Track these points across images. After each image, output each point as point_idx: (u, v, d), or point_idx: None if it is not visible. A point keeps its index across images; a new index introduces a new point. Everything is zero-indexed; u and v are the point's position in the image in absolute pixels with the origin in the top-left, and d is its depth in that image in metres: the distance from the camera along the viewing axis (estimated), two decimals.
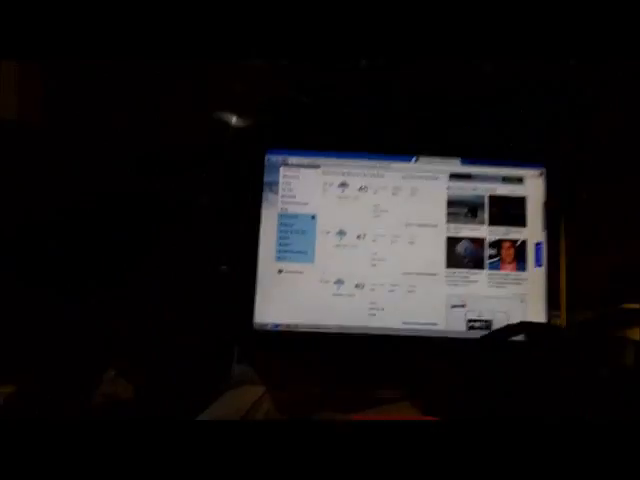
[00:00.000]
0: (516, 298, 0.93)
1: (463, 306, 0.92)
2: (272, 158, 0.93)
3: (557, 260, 0.94)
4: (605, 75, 0.97)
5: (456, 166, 0.95)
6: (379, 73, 0.95)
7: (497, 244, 0.94)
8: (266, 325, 0.89)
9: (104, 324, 0.84)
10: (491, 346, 0.86)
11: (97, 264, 0.87)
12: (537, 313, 0.93)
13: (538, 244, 0.94)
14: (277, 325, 0.89)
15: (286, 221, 0.92)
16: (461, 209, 0.94)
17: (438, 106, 0.99)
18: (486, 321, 0.92)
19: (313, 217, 0.92)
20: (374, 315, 0.90)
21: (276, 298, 0.90)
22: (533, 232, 0.94)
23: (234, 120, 0.91)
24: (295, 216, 0.92)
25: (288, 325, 0.89)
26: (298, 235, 0.91)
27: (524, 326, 0.85)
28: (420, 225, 0.93)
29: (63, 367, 0.79)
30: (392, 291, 0.91)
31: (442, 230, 0.93)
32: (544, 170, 0.96)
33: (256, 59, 0.87)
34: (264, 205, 0.91)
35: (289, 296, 0.90)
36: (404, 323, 0.91)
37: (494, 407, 0.76)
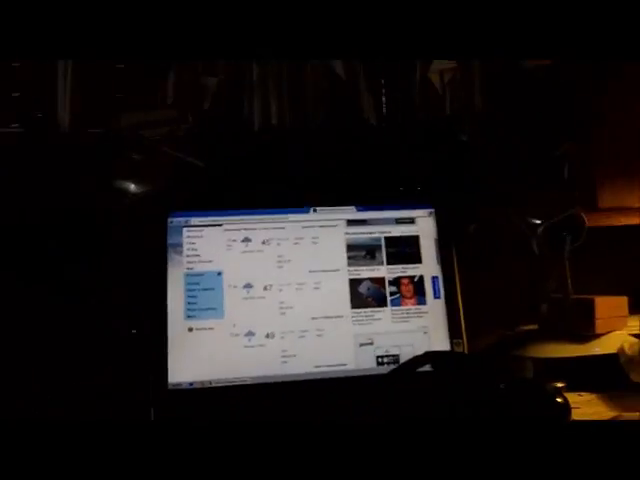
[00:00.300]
0: (419, 330, 0.99)
1: (371, 344, 0.98)
2: (174, 221, 0.97)
3: (454, 291, 1.02)
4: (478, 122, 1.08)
5: (352, 213, 1.02)
6: (268, 134, 1.03)
7: (396, 281, 1.01)
8: (180, 384, 0.92)
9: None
10: (400, 379, 0.92)
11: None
12: (440, 342, 1.00)
13: (434, 278, 1.02)
14: (191, 383, 0.92)
15: (193, 280, 0.95)
16: (360, 252, 1.01)
17: (330, 159, 1.08)
18: (394, 355, 0.98)
19: (219, 273, 0.96)
20: (286, 362, 0.95)
21: (189, 356, 0.93)
22: (429, 267, 1.02)
23: (133, 187, 0.95)
24: (201, 274, 0.96)
25: (202, 382, 0.92)
26: (206, 292, 0.95)
27: (429, 356, 0.92)
28: (323, 271, 0.99)
29: None
30: (302, 337, 0.96)
31: (344, 273, 1.00)
32: (433, 210, 1.04)
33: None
34: (169, 266, 0.95)
35: (201, 353, 0.93)
36: (316, 367, 0.95)
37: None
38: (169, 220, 0.97)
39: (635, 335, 1.05)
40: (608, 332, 1.06)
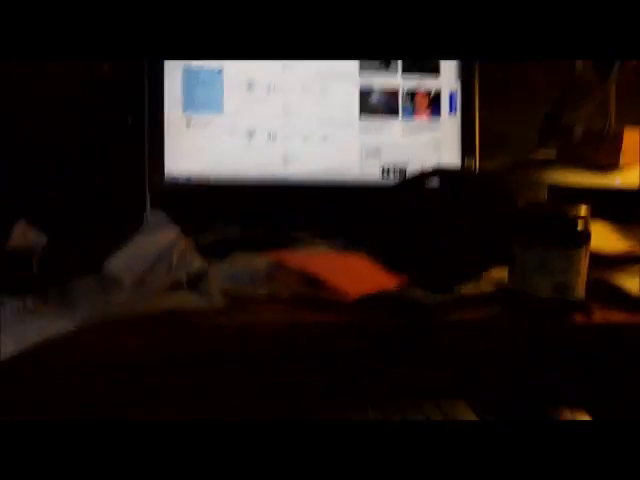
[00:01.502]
0: (430, 145, 1.02)
1: (378, 154, 1.01)
2: None
3: (471, 108, 1.03)
4: None
5: None
6: None
7: (411, 93, 1.02)
8: (177, 178, 0.96)
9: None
10: (405, 192, 0.96)
11: None
12: (452, 159, 1.02)
13: (452, 92, 1.03)
14: (189, 178, 0.96)
15: (192, 74, 0.96)
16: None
17: None
18: (400, 168, 1.02)
19: (219, 71, 0.97)
20: (288, 165, 0.98)
21: (186, 150, 0.96)
22: (447, 80, 1.03)
23: None
24: (201, 68, 0.97)
25: (200, 177, 0.96)
26: (205, 87, 0.97)
27: (438, 171, 0.95)
28: (332, 75, 1.00)
29: None
30: (306, 140, 0.98)
31: (355, 81, 1.01)
32: None
33: None
34: None
35: (200, 148, 0.96)
36: (318, 172, 0.99)
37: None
38: None
39: None
40: (632, 165, 1.08)
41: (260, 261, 0.85)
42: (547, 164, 1.10)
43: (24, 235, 0.82)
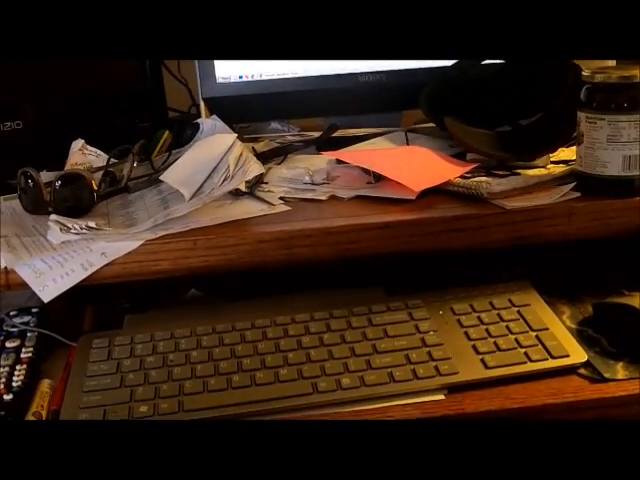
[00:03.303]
0: None
1: None
2: None
3: None
4: None
5: None
6: None
7: None
8: (228, 77, 0.95)
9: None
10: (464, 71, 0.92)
11: None
12: None
13: None
14: (241, 76, 0.95)
15: None
16: None
17: None
18: None
19: None
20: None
21: None
22: None
23: None
24: None
25: (252, 75, 0.95)
26: None
27: None
28: None
29: None
30: None
31: None
32: None
33: None
34: None
35: None
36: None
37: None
38: None
39: None
40: None
41: (319, 161, 0.86)
42: None
43: (82, 153, 0.85)
